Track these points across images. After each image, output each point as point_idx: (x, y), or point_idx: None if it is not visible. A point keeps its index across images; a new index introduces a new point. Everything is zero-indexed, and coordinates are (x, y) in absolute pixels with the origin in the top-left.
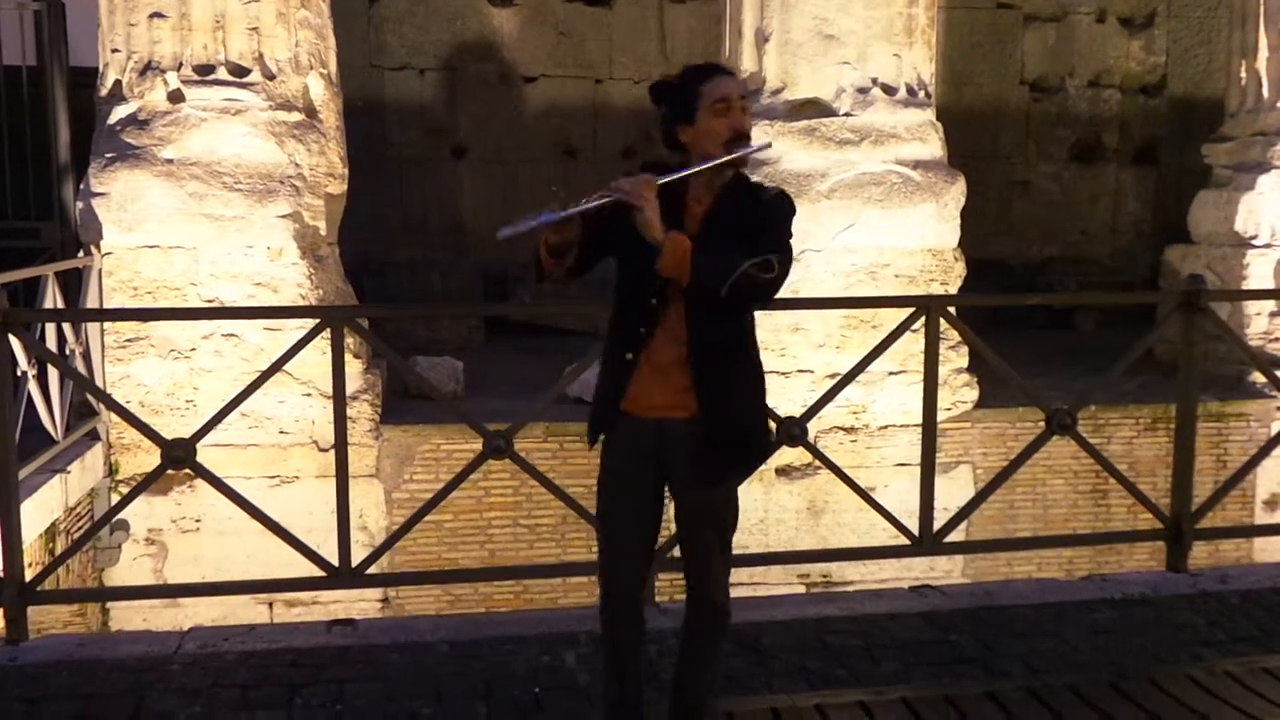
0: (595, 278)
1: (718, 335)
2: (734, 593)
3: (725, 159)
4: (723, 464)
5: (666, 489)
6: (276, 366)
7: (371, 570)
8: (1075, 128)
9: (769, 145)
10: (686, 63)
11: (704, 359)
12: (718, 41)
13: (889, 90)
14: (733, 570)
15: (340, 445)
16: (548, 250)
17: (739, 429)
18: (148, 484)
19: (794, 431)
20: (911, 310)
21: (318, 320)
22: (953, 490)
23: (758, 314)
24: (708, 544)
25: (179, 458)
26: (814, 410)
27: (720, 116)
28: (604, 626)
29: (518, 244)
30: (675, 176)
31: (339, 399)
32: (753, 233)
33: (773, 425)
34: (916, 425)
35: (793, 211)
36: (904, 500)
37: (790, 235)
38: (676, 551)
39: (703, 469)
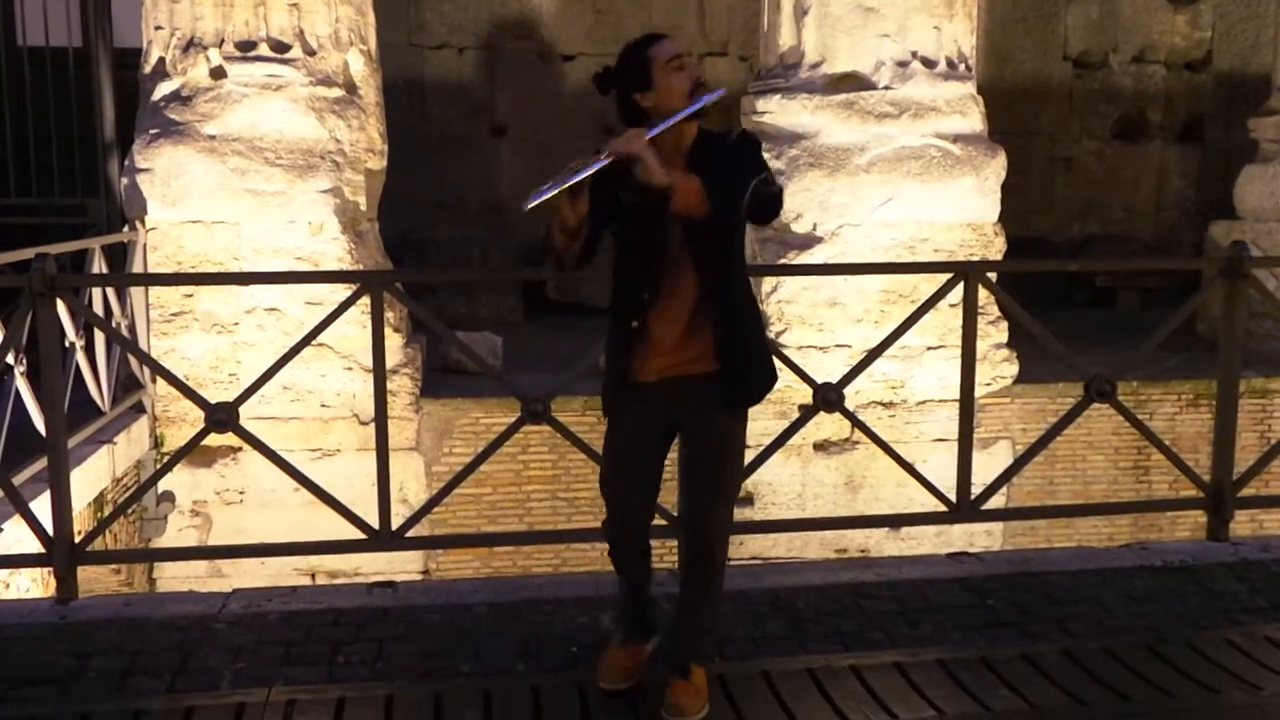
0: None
1: (728, 282)
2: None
3: (702, 103)
4: (738, 402)
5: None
6: (318, 330)
7: (410, 535)
8: (1119, 104)
9: (725, 92)
10: (722, 37)
11: (721, 308)
12: (756, 17)
13: (929, 63)
14: (769, 541)
15: (380, 404)
16: (563, 232)
17: (761, 369)
18: (191, 447)
19: (830, 397)
20: (949, 276)
21: (357, 286)
22: (991, 465)
23: (791, 289)
24: (709, 484)
25: (222, 420)
26: (851, 376)
27: (678, 71)
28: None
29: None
30: (662, 127)
31: (379, 362)
32: (735, 168)
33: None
34: (955, 400)
35: (761, 145)
36: (942, 476)
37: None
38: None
39: (724, 407)
